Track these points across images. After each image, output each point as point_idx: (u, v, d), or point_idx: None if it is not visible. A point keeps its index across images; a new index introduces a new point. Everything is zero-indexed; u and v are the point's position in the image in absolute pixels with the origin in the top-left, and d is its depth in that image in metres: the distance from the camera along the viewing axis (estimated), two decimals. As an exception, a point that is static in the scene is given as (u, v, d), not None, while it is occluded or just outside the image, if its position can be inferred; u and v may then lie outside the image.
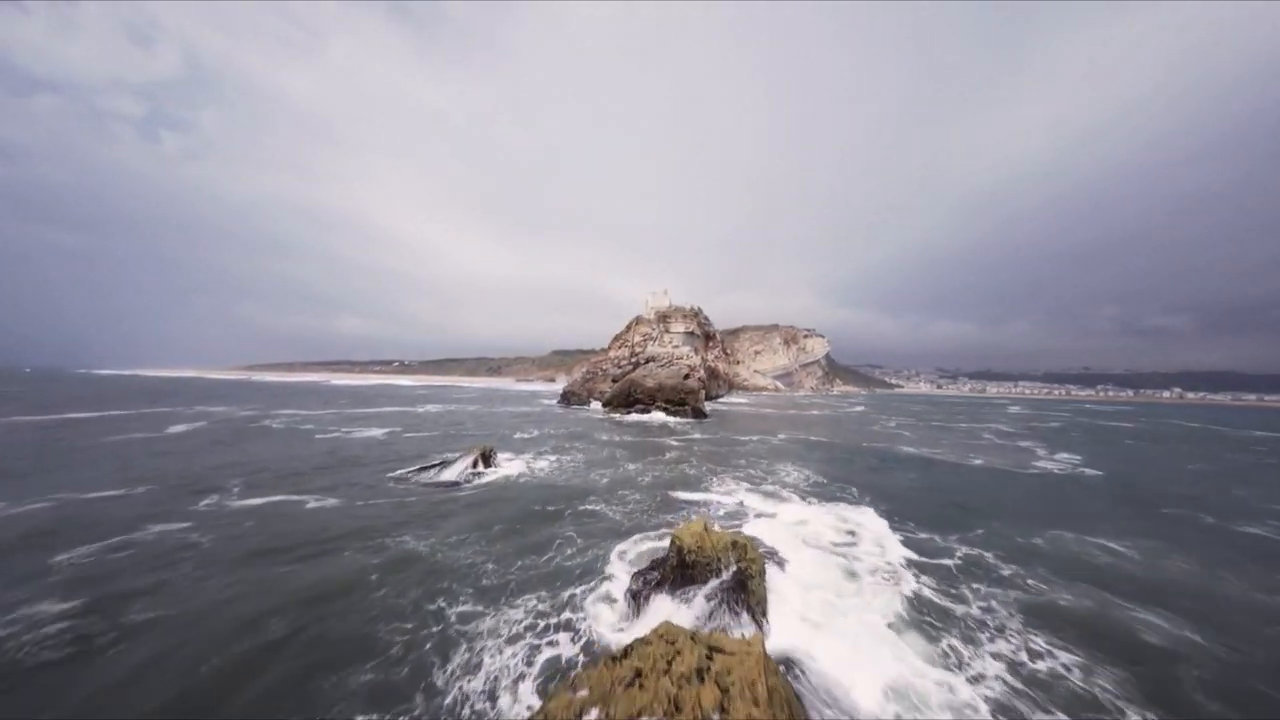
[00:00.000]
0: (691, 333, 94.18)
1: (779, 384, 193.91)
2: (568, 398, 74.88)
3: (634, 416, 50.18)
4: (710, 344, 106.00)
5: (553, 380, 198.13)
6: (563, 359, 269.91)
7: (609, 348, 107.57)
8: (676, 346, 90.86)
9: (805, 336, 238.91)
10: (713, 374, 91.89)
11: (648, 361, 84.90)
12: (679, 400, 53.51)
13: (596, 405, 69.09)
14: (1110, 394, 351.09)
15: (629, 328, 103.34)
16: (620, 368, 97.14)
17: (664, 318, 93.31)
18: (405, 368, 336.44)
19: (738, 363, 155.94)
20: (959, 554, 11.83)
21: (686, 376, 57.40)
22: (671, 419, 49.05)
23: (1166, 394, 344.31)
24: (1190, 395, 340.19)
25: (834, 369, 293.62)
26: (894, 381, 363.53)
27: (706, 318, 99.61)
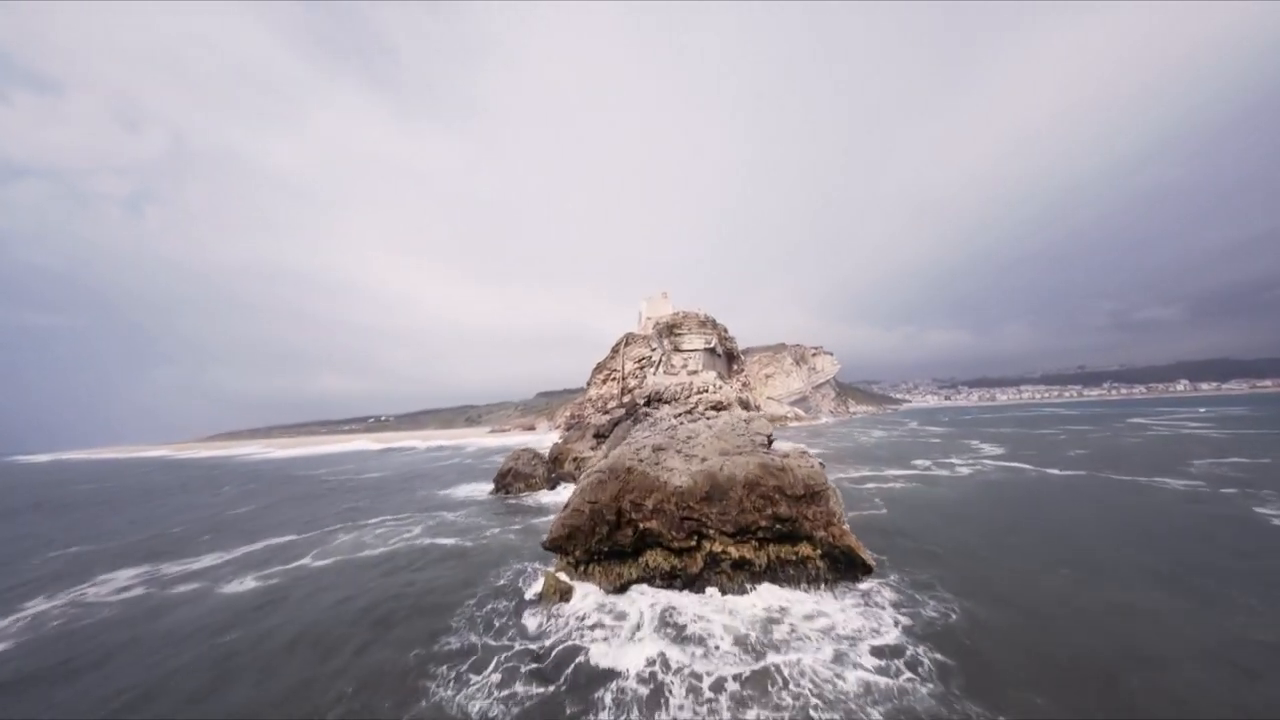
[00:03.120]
0: (712, 349, 57.90)
1: (798, 411, 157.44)
2: (507, 483, 37.74)
3: (655, 642, 12.64)
4: (735, 368, 69.57)
5: (532, 429, 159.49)
6: (547, 401, 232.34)
7: (589, 383, 70.90)
8: (695, 371, 54.46)
9: (814, 355, 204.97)
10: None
11: (653, 403, 48.42)
12: (782, 526, 16.55)
13: (568, 493, 32.10)
14: (1122, 392, 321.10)
15: (616, 351, 66.98)
16: (607, 412, 60.38)
17: (670, 329, 56.90)
18: (380, 424, 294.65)
19: (749, 389, 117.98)
20: None
21: (769, 443, 20.96)
22: (813, 630, 11.80)
23: (1180, 386, 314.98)
24: (1204, 386, 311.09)
25: (843, 388, 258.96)
26: (899, 396, 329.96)
27: (725, 329, 63.49)
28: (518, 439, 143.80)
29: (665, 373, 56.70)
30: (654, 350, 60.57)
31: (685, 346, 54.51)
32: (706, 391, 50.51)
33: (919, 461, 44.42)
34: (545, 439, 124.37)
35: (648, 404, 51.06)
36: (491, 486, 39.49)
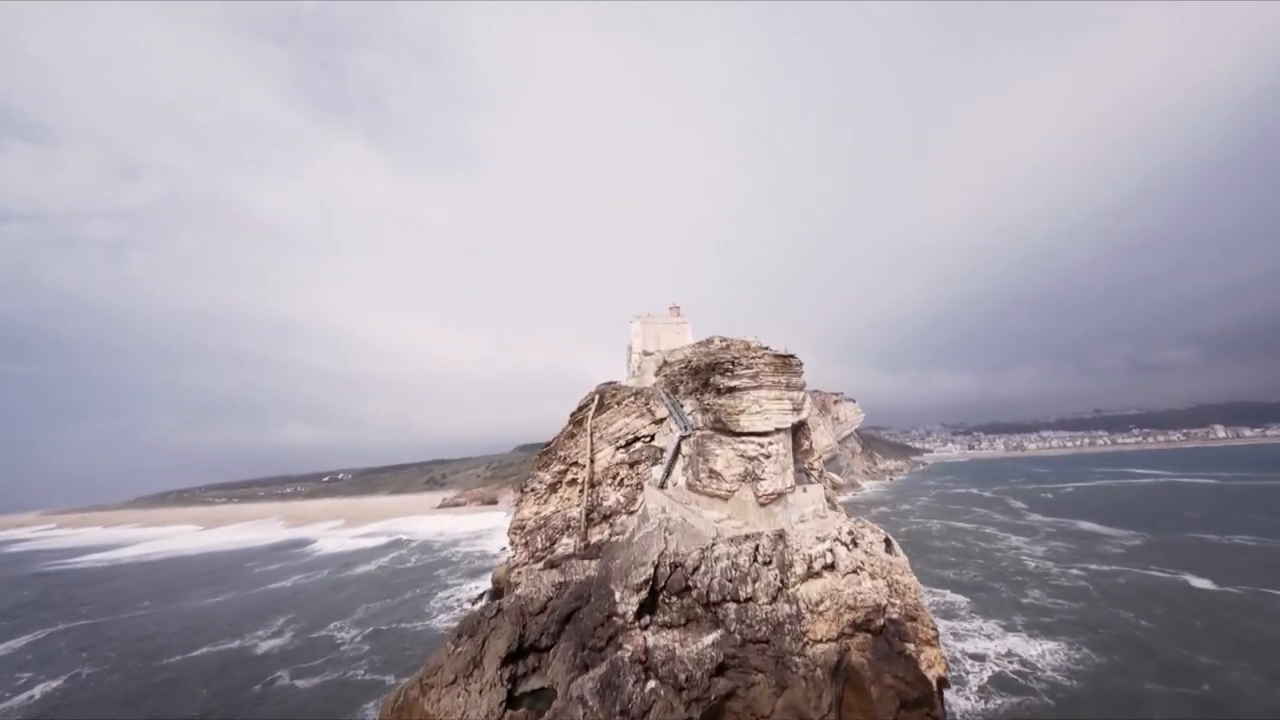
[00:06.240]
0: (798, 427, 23.55)
1: (833, 476, 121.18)
2: None
3: None
4: (804, 447, 34.64)
5: (493, 503, 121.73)
6: (525, 457, 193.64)
7: (526, 485, 36.29)
8: (778, 494, 19.99)
9: (836, 403, 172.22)
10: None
11: (671, 593, 14.72)
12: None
13: None
14: (1159, 439, 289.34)
15: (580, 421, 32.62)
16: (553, 563, 25.75)
17: (706, 378, 22.26)
18: (332, 486, 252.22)
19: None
20: None
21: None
22: None
23: (1220, 433, 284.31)
24: (1247, 432, 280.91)
25: (864, 439, 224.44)
26: (917, 445, 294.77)
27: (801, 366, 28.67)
28: (470, 522, 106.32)
29: (694, 480, 22.78)
30: (661, 420, 26.74)
31: (747, 426, 20.51)
32: (837, 595, 16.30)
33: None
34: (506, 524, 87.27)
35: (653, 608, 16.72)
36: None
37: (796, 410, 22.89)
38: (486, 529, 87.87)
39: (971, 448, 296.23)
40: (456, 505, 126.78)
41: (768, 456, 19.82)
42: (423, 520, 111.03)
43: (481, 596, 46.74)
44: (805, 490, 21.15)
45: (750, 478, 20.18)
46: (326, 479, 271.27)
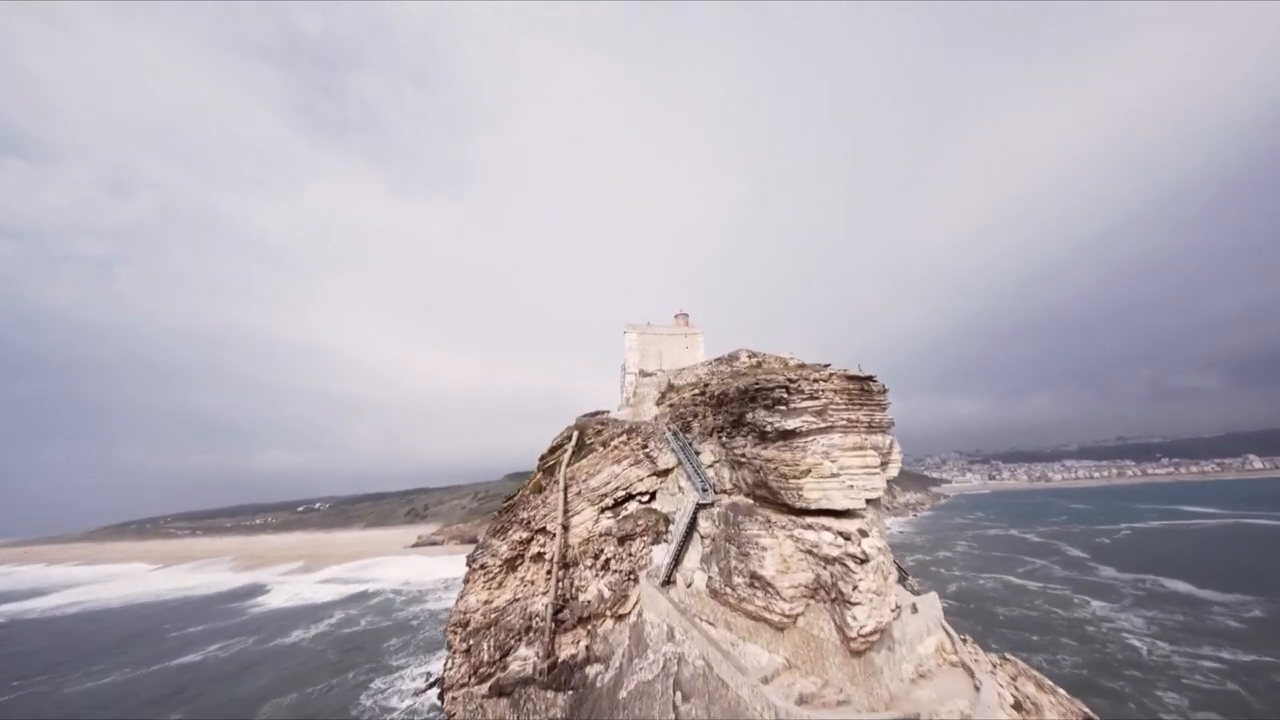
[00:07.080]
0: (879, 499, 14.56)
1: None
2: None
3: None
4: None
5: (473, 542, 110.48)
6: (516, 486, 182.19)
7: (477, 558, 27.29)
8: (876, 633, 11.10)
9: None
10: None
11: None
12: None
13: None
14: (1192, 470, 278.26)
15: (551, 469, 24.09)
16: (500, 693, 15.82)
17: (725, 414, 13.36)
18: (306, 516, 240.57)
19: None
20: None
21: None
22: None
23: (1258, 464, 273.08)
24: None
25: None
26: (937, 476, 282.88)
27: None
28: (443, 567, 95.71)
29: (723, 586, 13.93)
30: (665, 472, 18.47)
31: (816, 499, 12.17)
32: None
33: None
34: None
35: None
36: None
37: (885, 464, 14.67)
38: (460, 577, 77.97)
39: (992, 477, 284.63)
40: (433, 544, 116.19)
41: (861, 560, 11.36)
42: (391, 564, 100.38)
43: (430, 687, 37.96)
44: (915, 609, 12.66)
45: (828, 594, 11.72)
46: (301, 509, 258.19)
